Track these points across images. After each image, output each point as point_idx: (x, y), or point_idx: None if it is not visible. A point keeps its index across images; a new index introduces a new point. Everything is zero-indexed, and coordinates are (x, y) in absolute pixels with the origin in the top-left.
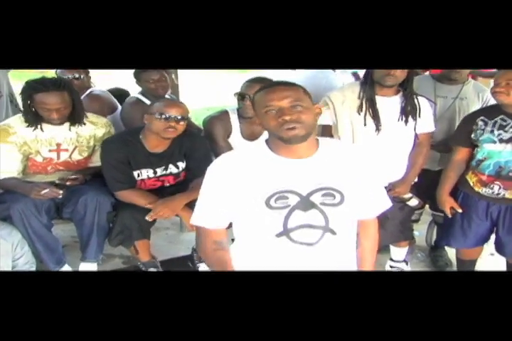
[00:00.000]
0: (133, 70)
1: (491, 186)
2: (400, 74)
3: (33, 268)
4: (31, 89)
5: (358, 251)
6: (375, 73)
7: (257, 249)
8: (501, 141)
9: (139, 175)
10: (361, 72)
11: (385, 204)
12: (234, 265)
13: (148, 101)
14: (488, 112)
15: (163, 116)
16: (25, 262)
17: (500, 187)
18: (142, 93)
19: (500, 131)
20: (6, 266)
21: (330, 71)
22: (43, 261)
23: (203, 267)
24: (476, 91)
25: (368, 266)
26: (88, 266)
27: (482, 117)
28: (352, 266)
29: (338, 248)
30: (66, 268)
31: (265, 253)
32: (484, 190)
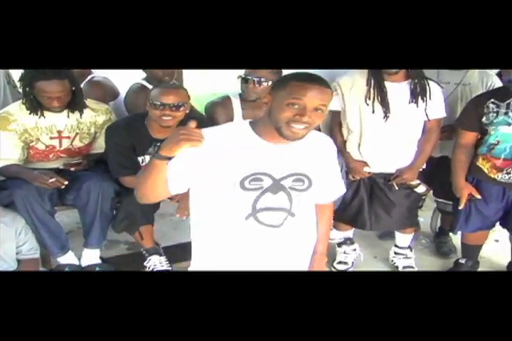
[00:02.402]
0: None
1: (508, 171)
2: None
3: (37, 255)
4: (32, 77)
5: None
6: None
7: (226, 230)
8: None
9: (143, 161)
10: None
11: (341, 190)
12: (202, 249)
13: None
14: (498, 94)
15: (158, 104)
16: (30, 248)
17: None
18: (146, 79)
19: None
20: (11, 252)
21: None
22: (46, 247)
23: None
24: (481, 76)
25: (323, 246)
26: (91, 253)
27: (492, 100)
28: (308, 249)
29: (300, 230)
30: (70, 254)
31: (234, 234)
32: (500, 176)
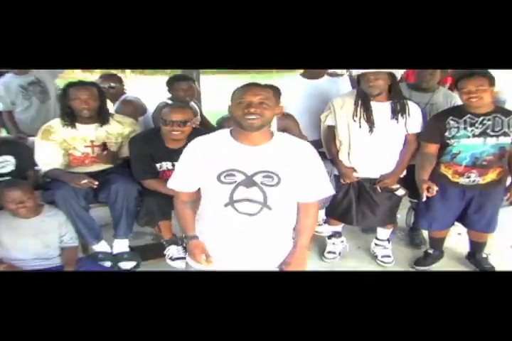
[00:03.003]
0: (166, 80)
1: (468, 175)
2: (381, 83)
3: (76, 244)
4: (67, 85)
5: (298, 226)
6: (362, 84)
7: (210, 215)
8: (474, 135)
9: (160, 167)
10: None
11: (326, 191)
12: (197, 227)
13: None
14: (456, 112)
15: (168, 121)
16: (70, 238)
17: (476, 175)
18: (171, 98)
19: (472, 128)
20: (54, 241)
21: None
22: (83, 237)
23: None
24: (445, 97)
25: (305, 240)
26: (120, 242)
27: (451, 117)
28: (285, 239)
29: (274, 221)
30: (103, 243)
31: (216, 219)
32: (462, 180)
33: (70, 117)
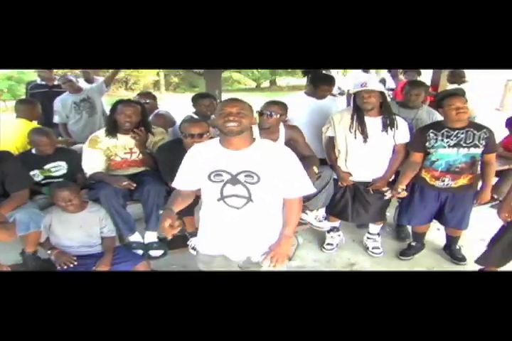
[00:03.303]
0: (191, 97)
1: (443, 179)
2: (373, 100)
3: (114, 234)
4: (117, 102)
5: (283, 219)
6: (357, 101)
7: (206, 208)
8: (449, 146)
9: None
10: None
11: (307, 189)
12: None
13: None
14: (435, 127)
15: (187, 134)
16: (109, 230)
17: (449, 179)
18: (195, 113)
19: (448, 140)
20: (96, 232)
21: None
22: (119, 230)
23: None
24: (428, 114)
25: (289, 230)
26: (151, 234)
27: (431, 130)
28: (270, 229)
29: (258, 213)
30: (136, 234)
31: (211, 211)
32: (437, 183)
33: (114, 128)
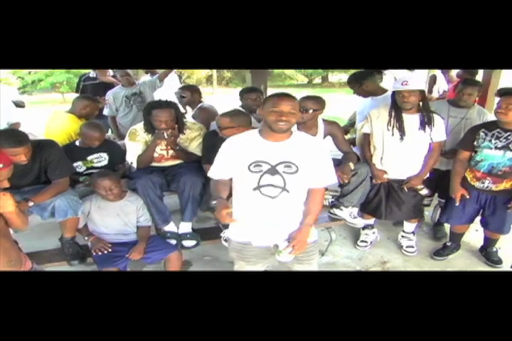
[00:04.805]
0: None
1: (483, 181)
2: (413, 99)
3: (149, 224)
4: (150, 106)
5: (306, 208)
6: (397, 99)
7: (242, 197)
8: (496, 147)
9: None
10: None
11: (331, 179)
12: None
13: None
14: (488, 126)
15: (220, 127)
16: (145, 219)
17: (490, 182)
18: (242, 106)
19: (496, 141)
20: (133, 221)
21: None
22: (154, 220)
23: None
24: (479, 113)
25: (310, 220)
26: (185, 224)
27: (483, 129)
28: (298, 216)
29: (290, 202)
30: (171, 224)
31: (246, 199)
32: (477, 184)
33: (151, 128)
